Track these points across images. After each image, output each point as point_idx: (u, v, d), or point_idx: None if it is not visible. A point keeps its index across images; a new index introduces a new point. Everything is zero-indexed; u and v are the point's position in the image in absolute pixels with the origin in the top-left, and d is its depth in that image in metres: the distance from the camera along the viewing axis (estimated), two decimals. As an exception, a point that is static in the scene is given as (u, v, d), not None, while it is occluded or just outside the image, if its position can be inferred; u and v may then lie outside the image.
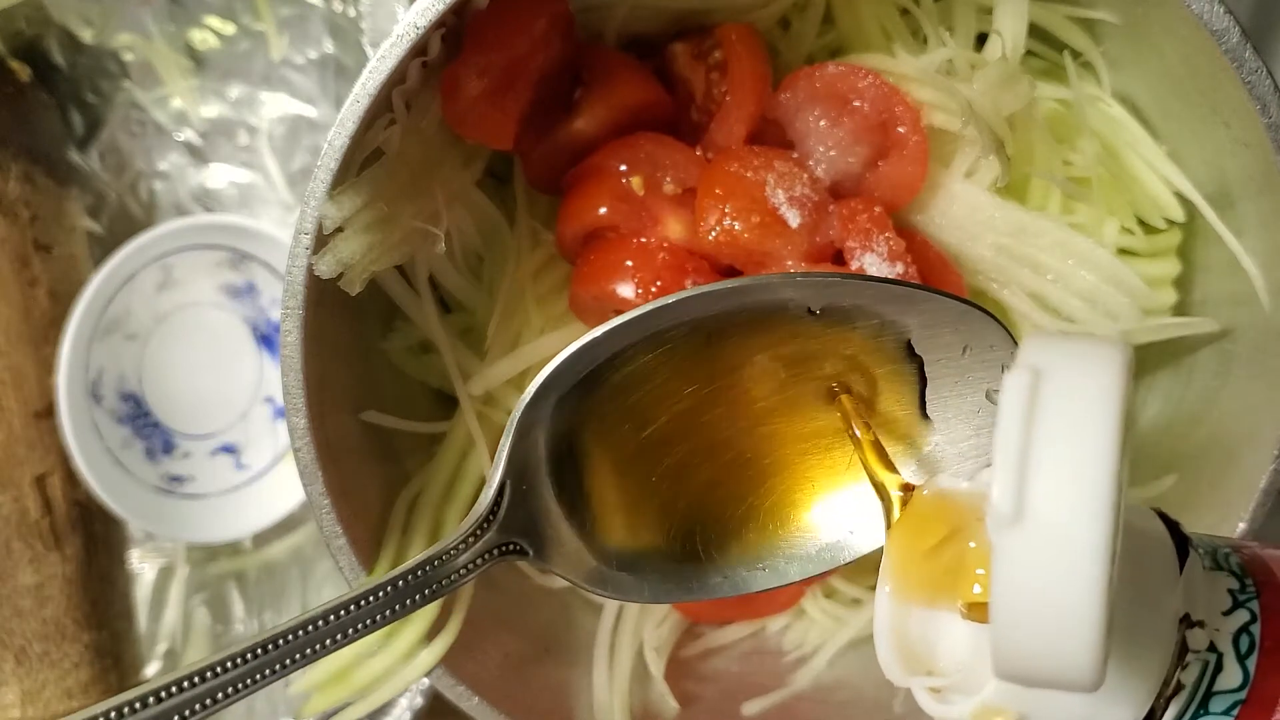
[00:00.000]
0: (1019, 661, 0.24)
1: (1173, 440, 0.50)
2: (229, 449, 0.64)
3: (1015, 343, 0.36)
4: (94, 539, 0.62)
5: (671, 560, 0.38)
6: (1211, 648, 0.27)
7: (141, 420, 0.63)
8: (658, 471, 0.37)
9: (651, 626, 0.52)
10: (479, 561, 0.34)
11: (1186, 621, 0.27)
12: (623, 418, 0.37)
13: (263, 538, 0.65)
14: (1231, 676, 0.27)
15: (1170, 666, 0.27)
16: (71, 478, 0.60)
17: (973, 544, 0.29)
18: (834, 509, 0.38)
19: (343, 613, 0.32)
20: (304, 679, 0.46)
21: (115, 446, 0.62)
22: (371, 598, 0.32)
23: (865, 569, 0.54)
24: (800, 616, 0.54)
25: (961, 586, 0.29)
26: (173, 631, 0.64)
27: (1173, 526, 0.29)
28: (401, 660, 0.45)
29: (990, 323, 0.36)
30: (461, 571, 0.34)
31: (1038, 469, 0.24)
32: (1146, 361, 0.52)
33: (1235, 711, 0.27)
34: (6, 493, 0.58)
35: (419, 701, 0.57)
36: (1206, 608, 0.28)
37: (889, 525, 0.32)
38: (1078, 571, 0.23)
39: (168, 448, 0.63)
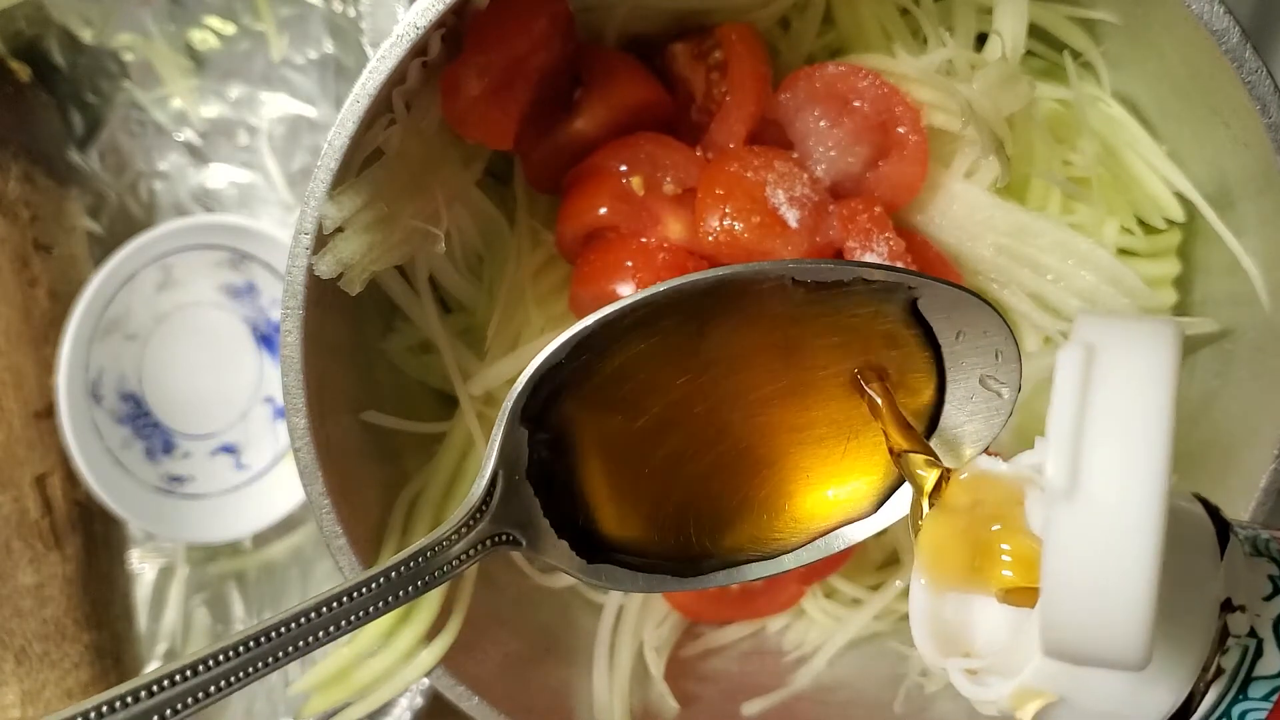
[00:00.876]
0: (1068, 637, 0.24)
1: (1173, 440, 0.50)
2: (229, 449, 0.64)
3: (1009, 329, 0.36)
4: (94, 539, 0.62)
5: (665, 550, 0.38)
6: (1252, 633, 0.27)
7: (141, 420, 0.63)
8: (651, 462, 0.37)
9: (652, 626, 0.52)
10: (472, 552, 0.34)
11: (1227, 606, 0.27)
12: (616, 408, 0.37)
13: (262, 538, 0.65)
14: (1272, 662, 0.27)
15: (1211, 651, 0.27)
16: (71, 478, 0.60)
17: (1002, 527, 0.29)
18: (827, 498, 0.38)
19: (336, 605, 0.32)
20: (304, 679, 0.46)
21: (115, 446, 0.62)
22: (365, 589, 0.32)
23: (865, 568, 0.54)
24: (800, 616, 0.54)
25: (999, 570, 0.29)
26: (173, 632, 0.64)
27: (1213, 511, 0.29)
28: (401, 660, 0.45)
29: (984, 309, 0.36)
30: (455, 562, 0.34)
31: (1092, 445, 0.24)
32: (1146, 362, 0.52)
33: (1275, 697, 0.27)
34: (6, 493, 0.58)
35: (419, 701, 0.57)
36: (1248, 593, 0.28)
37: (918, 508, 0.32)
38: (1130, 547, 0.23)
39: (168, 448, 0.63)
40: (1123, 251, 0.49)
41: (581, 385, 0.36)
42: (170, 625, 0.64)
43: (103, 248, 0.63)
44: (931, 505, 0.32)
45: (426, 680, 0.46)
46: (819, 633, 0.53)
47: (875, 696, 0.51)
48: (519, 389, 0.35)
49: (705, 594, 0.51)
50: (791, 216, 0.45)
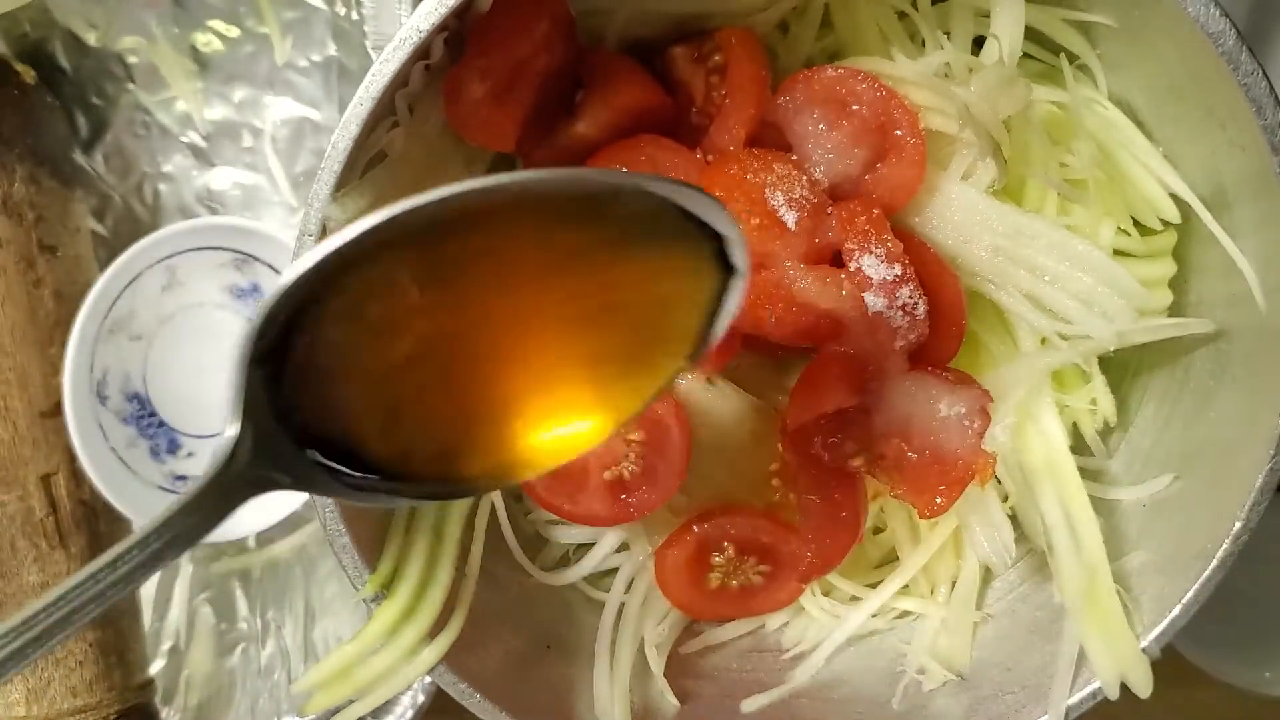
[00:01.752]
0: None
1: (1169, 440, 0.51)
2: (233, 449, 0.64)
3: (730, 216, 0.36)
4: (98, 538, 0.62)
5: (424, 467, 0.38)
6: None
7: (146, 420, 0.63)
8: (401, 385, 0.38)
9: (652, 624, 0.52)
10: (234, 498, 0.35)
11: None
12: (358, 339, 0.37)
13: (266, 536, 0.65)
14: None
15: None
16: (77, 477, 0.60)
17: None
18: (556, 409, 0.39)
19: (97, 580, 0.35)
20: (307, 677, 0.47)
21: (120, 446, 0.62)
22: (120, 563, 0.36)
23: (863, 566, 0.54)
24: (799, 613, 0.54)
25: None
26: (177, 629, 0.65)
27: None
28: (404, 658, 0.46)
29: (706, 198, 0.36)
30: (216, 515, 0.35)
31: None
32: (1143, 362, 0.52)
33: None
34: (12, 492, 0.58)
35: (421, 699, 0.58)
36: None
37: None
38: None
39: (172, 447, 0.63)
40: (1119, 253, 0.49)
41: (324, 319, 0.36)
42: (174, 623, 0.65)
43: (108, 249, 0.63)
44: None
45: (429, 678, 0.47)
46: (818, 630, 0.54)
47: (873, 693, 0.51)
48: (253, 331, 0.36)
49: (704, 592, 0.51)
50: (790, 218, 0.45)
